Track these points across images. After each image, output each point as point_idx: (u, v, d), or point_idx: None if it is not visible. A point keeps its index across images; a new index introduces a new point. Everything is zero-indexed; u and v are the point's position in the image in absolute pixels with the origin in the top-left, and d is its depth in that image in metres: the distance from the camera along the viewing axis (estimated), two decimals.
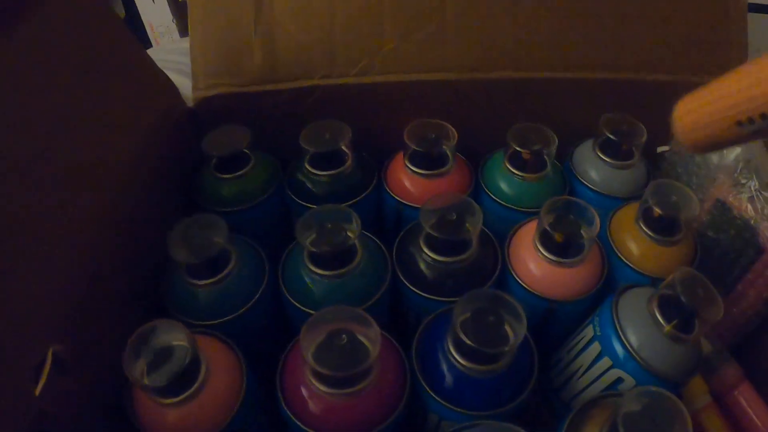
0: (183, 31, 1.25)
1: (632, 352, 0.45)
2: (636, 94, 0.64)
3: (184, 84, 0.62)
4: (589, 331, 0.49)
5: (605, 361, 0.47)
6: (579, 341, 0.50)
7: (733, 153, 0.59)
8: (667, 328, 0.44)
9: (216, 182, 0.57)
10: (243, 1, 0.60)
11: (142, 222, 0.51)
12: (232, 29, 0.60)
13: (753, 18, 0.65)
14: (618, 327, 0.46)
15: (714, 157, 0.60)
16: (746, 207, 0.57)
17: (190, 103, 0.62)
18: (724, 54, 0.64)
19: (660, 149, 0.68)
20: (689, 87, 0.63)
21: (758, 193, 0.56)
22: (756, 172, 0.57)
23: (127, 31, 0.53)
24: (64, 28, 0.45)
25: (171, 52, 0.87)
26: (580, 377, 0.50)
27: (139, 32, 1.24)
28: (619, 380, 0.46)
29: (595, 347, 0.48)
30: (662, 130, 0.64)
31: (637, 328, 0.45)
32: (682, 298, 0.43)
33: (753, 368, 0.62)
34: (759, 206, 0.56)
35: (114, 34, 0.52)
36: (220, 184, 0.57)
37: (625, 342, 0.45)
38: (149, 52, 0.94)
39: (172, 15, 1.23)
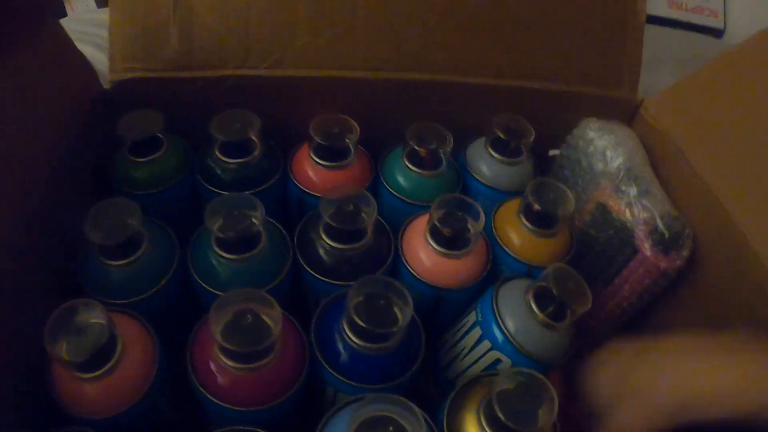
0: (100, 0, 1.27)
1: (509, 337, 0.52)
2: (532, 100, 0.70)
3: (100, 59, 0.65)
4: (472, 317, 0.56)
5: (485, 344, 0.53)
6: (463, 325, 0.57)
7: (617, 162, 0.66)
8: (540, 316, 0.51)
9: (130, 165, 0.61)
10: None
11: (58, 204, 0.55)
12: (151, 14, 0.63)
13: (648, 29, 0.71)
14: (497, 313, 0.53)
15: (599, 164, 0.67)
16: (624, 211, 0.64)
17: (106, 79, 0.64)
18: (618, 66, 0.71)
19: (551, 153, 0.75)
20: (582, 97, 0.71)
21: (636, 200, 0.63)
22: (635, 181, 0.65)
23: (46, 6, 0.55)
24: None
25: (87, 23, 0.89)
26: (463, 358, 0.56)
27: None
28: (498, 361, 0.53)
29: (477, 331, 0.54)
30: (554, 136, 0.72)
31: (515, 315, 0.52)
32: (554, 291, 0.50)
33: None
34: (636, 211, 0.63)
35: (31, 9, 0.54)
36: (133, 167, 0.61)
37: (503, 327, 0.52)
38: (64, 21, 0.95)
39: None
